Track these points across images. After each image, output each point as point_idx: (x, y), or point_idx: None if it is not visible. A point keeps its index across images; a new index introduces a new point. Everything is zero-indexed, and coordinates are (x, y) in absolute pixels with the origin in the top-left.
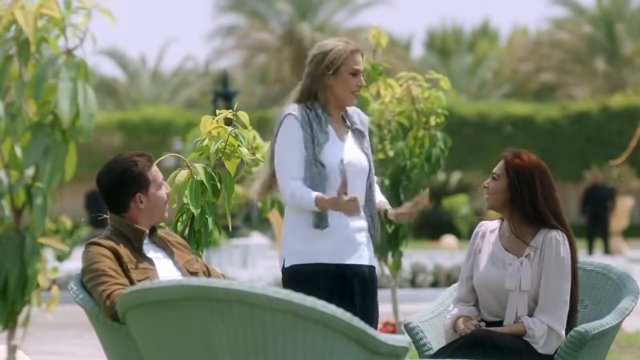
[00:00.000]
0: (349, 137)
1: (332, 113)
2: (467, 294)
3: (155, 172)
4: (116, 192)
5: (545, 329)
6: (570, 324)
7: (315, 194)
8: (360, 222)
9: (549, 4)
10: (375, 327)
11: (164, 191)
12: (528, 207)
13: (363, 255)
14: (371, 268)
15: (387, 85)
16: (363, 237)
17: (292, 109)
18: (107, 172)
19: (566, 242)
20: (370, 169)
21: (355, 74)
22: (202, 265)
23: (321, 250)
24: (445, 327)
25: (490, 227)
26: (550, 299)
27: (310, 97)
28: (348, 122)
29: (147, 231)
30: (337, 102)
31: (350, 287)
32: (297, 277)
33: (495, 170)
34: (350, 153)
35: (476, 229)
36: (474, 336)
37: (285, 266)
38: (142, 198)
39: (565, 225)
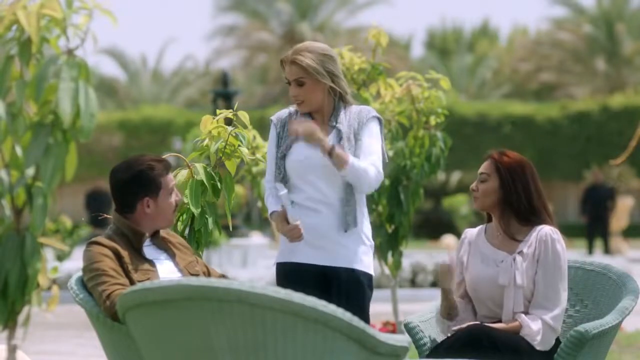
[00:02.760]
0: (330, 136)
1: (314, 115)
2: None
3: (169, 179)
4: (127, 190)
5: (540, 324)
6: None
7: (274, 209)
8: (328, 222)
9: (549, 4)
10: None
11: (173, 198)
12: (523, 204)
13: (331, 256)
14: (348, 270)
15: (387, 85)
16: (334, 237)
17: (277, 113)
18: (124, 169)
19: (560, 238)
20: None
21: (288, 83)
22: (203, 266)
23: (291, 250)
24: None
25: (475, 233)
26: (546, 295)
27: None
28: (332, 122)
29: (147, 234)
30: None
31: (323, 288)
32: (277, 275)
33: (482, 170)
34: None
35: (462, 237)
36: (471, 331)
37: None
38: (150, 203)
39: (553, 219)
